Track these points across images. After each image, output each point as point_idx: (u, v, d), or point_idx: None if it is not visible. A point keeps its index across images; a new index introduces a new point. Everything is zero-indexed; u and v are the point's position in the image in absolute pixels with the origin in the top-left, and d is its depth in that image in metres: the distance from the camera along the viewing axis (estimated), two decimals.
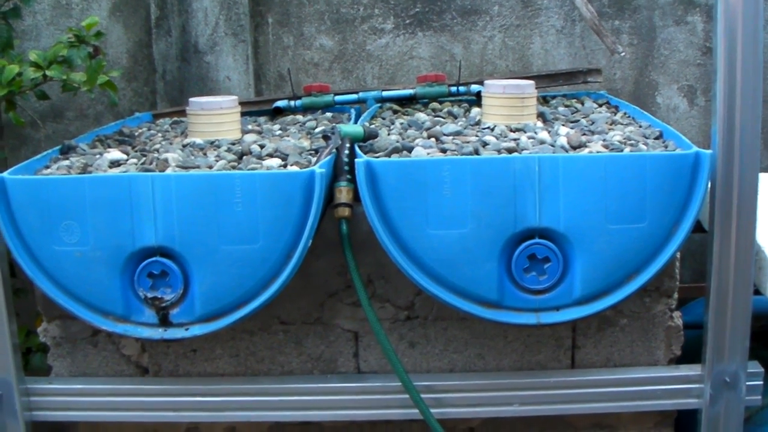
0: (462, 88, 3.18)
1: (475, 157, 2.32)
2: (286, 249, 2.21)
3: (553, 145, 2.43)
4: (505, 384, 2.49)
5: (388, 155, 2.41)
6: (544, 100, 3.28)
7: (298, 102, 3.23)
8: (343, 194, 2.30)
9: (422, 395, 2.34)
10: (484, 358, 2.56)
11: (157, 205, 2.18)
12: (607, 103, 3.24)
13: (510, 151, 2.38)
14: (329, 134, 2.50)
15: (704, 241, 2.37)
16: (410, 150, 2.43)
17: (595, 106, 3.15)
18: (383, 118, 2.98)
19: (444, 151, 2.42)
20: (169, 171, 2.36)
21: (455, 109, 3.07)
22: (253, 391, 2.49)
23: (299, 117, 3.20)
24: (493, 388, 2.48)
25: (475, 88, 3.13)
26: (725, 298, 2.33)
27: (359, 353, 2.59)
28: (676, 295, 2.52)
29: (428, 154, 2.40)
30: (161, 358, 2.57)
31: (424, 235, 2.21)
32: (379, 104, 3.21)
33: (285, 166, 2.41)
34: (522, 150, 2.39)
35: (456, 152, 2.40)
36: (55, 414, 2.51)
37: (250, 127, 2.99)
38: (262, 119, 3.24)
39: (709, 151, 2.22)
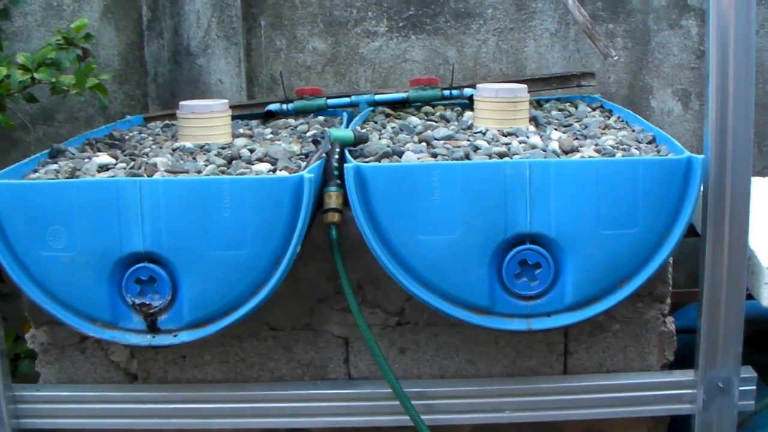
0: (455, 92, 3.17)
1: (465, 162, 2.30)
2: (275, 254, 2.19)
3: (545, 150, 2.42)
4: (496, 390, 2.48)
5: (378, 160, 2.39)
6: (537, 104, 3.27)
7: (291, 105, 3.22)
8: (333, 199, 2.28)
9: (413, 401, 2.33)
10: (475, 364, 2.55)
11: (145, 211, 2.16)
12: (601, 106, 3.22)
13: (501, 155, 2.37)
14: (319, 139, 2.48)
15: (698, 245, 2.36)
16: (400, 155, 2.42)
17: (589, 110, 3.13)
18: (375, 122, 2.97)
19: (435, 155, 2.41)
20: (157, 176, 2.34)
21: (448, 113, 3.05)
22: (243, 397, 2.48)
23: (291, 121, 3.18)
24: (484, 394, 2.47)
25: (468, 91, 3.11)
26: (718, 303, 2.32)
27: (350, 359, 2.57)
28: (668, 300, 2.51)
29: (419, 158, 2.39)
30: (150, 364, 2.56)
31: (414, 240, 2.19)
32: (371, 108, 3.19)
33: (274, 170, 2.39)
34: (513, 155, 2.38)
35: (447, 157, 2.38)
36: (42, 421, 2.50)
37: (241, 131, 2.97)
38: (254, 123, 3.22)
39: (701, 156, 2.21)
